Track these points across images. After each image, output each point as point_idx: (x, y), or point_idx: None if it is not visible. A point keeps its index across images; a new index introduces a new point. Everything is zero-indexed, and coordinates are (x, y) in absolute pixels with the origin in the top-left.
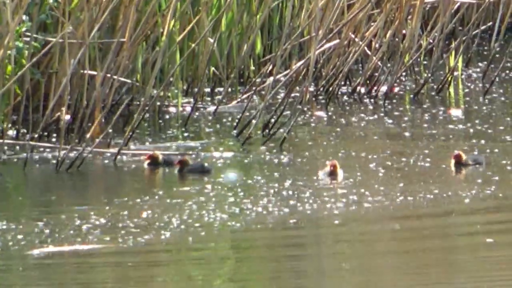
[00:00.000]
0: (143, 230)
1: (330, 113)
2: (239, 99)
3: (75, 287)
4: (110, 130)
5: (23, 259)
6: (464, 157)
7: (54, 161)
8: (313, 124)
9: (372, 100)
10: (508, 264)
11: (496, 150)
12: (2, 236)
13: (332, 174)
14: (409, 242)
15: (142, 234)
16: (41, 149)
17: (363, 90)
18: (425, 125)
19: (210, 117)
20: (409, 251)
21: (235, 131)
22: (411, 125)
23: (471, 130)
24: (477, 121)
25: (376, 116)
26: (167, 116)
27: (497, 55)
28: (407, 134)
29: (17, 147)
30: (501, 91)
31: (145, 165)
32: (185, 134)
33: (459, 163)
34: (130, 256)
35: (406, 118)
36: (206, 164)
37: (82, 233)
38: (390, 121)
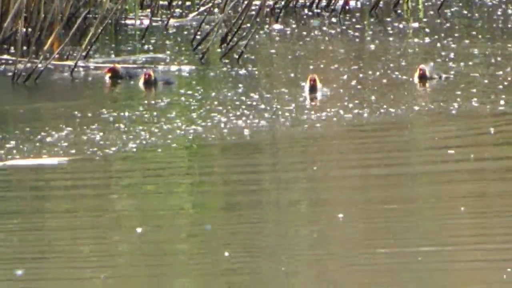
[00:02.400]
0: (111, 143)
1: (292, 27)
2: (196, 12)
3: (37, 196)
4: (68, 44)
5: None
6: (428, 71)
7: (11, 74)
8: (277, 38)
9: (330, 14)
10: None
11: (463, 64)
12: None
13: (312, 89)
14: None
15: (109, 146)
16: None
17: (322, 3)
18: (390, 39)
19: (171, 31)
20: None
21: (194, 44)
22: (374, 39)
23: (438, 44)
24: (442, 35)
25: (339, 30)
26: (125, 30)
27: None
28: (372, 47)
29: None
30: (460, 4)
31: (106, 78)
32: (144, 48)
33: (423, 77)
34: (97, 167)
35: (371, 32)
36: (170, 77)
37: (47, 146)
38: (352, 34)
